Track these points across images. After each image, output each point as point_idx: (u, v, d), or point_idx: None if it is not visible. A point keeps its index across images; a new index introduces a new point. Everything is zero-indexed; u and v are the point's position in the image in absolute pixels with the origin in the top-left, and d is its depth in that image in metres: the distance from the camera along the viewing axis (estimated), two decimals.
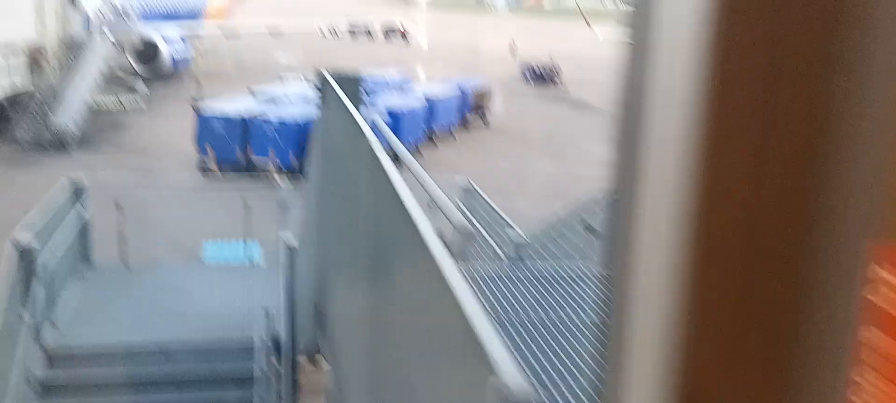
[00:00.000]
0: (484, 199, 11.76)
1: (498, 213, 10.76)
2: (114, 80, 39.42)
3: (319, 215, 7.17)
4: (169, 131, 33.11)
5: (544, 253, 10.31)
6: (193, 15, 58.00)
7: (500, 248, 9.94)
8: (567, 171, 31.74)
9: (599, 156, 35.22)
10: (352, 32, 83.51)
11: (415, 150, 29.29)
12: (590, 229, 9.20)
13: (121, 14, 37.96)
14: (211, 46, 57.71)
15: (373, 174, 4.00)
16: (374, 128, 4.77)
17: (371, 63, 50.76)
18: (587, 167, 33.09)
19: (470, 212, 11.12)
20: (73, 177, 12.94)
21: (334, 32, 79.42)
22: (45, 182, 23.48)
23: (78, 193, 12.69)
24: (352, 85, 5.96)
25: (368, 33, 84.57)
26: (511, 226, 10.58)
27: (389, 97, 33.73)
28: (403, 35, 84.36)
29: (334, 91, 5.84)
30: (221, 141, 27.10)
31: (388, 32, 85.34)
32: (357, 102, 5.65)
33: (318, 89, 6.71)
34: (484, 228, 10.29)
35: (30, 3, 32.20)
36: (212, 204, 17.08)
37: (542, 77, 58.56)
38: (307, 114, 27.79)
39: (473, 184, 12.41)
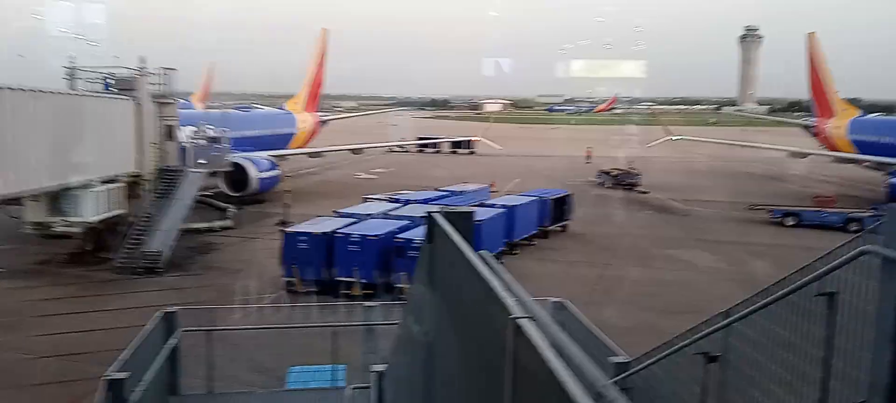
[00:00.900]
0: (579, 319, 11.25)
1: (597, 336, 10.23)
2: (205, 204, 41.17)
3: (416, 342, 6.96)
4: (256, 251, 34.01)
5: (654, 385, 9.62)
6: (283, 140, 60.94)
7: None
8: (657, 279, 30.68)
9: (687, 262, 34.18)
10: (420, 148, 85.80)
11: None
12: (710, 358, 8.47)
13: (214, 142, 40.03)
14: (297, 167, 60.10)
15: (490, 314, 3.78)
16: (485, 260, 4.60)
17: (449, 177, 51.62)
18: (675, 273, 32.06)
19: (568, 333, 10.61)
20: (167, 309, 13.25)
21: (403, 148, 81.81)
22: (136, 305, 24.44)
23: (170, 324, 12.95)
24: (464, 221, 5.86)
25: (436, 147, 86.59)
26: (612, 352, 9.99)
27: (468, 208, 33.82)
28: (470, 147, 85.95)
29: (442, 227, 5.74)
30: (306, 259, 27.59)
31: (455, 145, 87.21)
32: (469, 237, 5.51)
33: (428, 224, 6.63)
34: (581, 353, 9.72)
35: (131, 138, 34.45)
36: (299, 325, 17.08)
37: (619, 181, 58.00)
38: (389, 231, 28.21)
39: (568, 303, 11.94)
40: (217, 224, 39.30)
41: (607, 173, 59.73)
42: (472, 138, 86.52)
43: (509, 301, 3.77)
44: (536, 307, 4.02)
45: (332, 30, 74.61)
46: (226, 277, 29.68)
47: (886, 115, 74.32)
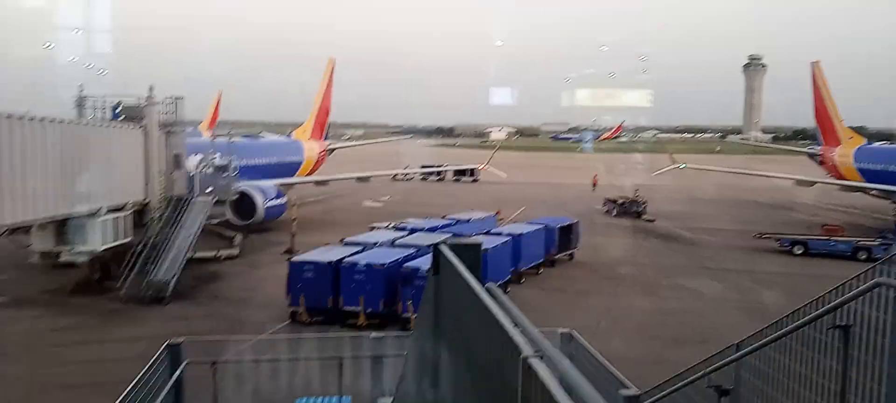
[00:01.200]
0: (588, 350, 11.15)
1: (607, 368, 10.13)
2: (212, 232, 41.18)
3: (423, 376, 6.88)
4: (262, 280, 33.95)
5: None
6: (290, 168, 61.18)
7: None
8: (664, 308, 30.45)
9: (694, 291, 33.97)
10: (423, 177, 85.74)
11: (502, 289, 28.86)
12: (722, 392, 8.37)
13: (221, 170, 40.13)
14: (304, 195, 60.21)
15: (499, 351, 3.73)
16: (492, 293, 4.56)
17: (456, 205, 51.61)
18: (682, 302, 31.83)
19: (576, 365, 10.50)
20: (172, 341, 13.20)
21: (406, 176, 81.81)
22: (143, 335, 24.36)
23: (175, 356, 12.88)
24: (470, 253, 5.82)
25: (439, 175, 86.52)
26: (622, 384, 9.86)
27: (473, 237, 33.78)
28: (473, 176, 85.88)
29: (449, 259, 5.70)
30: (312, 288, 27.49)
31: (459, 173, 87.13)
32: (476, 270, 5.47)
33: (434, 257, 6.58)
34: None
35: (140, 168, 34.62)
36: (305, 355, 16.97)
37: (626, 209, 57.87)
38: (395, 260, 28.14)
39: (577, 334, 11.84)
40: (223, 252, 39.29)
41: (614, 201, 59.61)
42: (477, 166, 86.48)
43: (519, 338, 3.72)
44: (548, 345, 3.96)
45: (340, 58, 75.26)
46: (231, 307, 29.61)
47: (892, 144, 74.14)
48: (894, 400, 5.83)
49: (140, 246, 32.66)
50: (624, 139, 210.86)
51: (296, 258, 29.81)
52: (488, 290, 4.91)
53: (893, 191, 52.45)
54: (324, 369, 15.73)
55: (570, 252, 39.56)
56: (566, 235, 39.20)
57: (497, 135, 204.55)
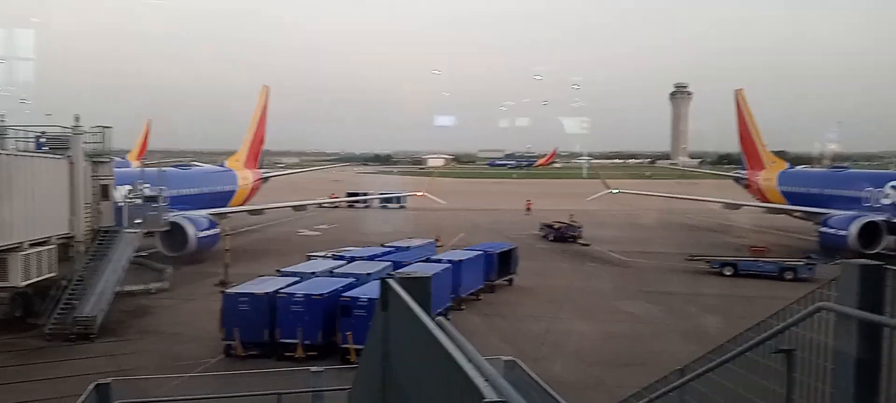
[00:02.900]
0: (532, 377, 11.05)
1: (550, 394, 10.04)
2: (141, 265, 39.73)
3: None
4: (194, 313, 32.90)
5: None
6: (223, 198, 59.86)
7: None
8: (602, 331, 30.79)
9: (630, 313, 34.52)
10: (350, 204, 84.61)
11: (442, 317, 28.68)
12: None
13: (151, 201, 38.87)
14: (238, 224, 58.90)
15: (457, 395, 3.58)
16: (445, 329, 4.41)
17: (395, 233, 51.30)
18: (619, 325, 32.29)
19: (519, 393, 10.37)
20: (100, 381, 12.56)
21: (333, 204, 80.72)
22: (69, 374, 23.17)
23: (103, 396, 12.24)
24: (419, 287, 5.66)
25: (366, 203, 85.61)
26: None
27: (413, 264, 33.59)
28: (400, 203, 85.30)
29: (398, 294, 5.53)
30: (247, 321, 26.73)
31: (386, 201, 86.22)
32: (426, 305, 5.31)
33: (382, 291, 6.38)
34: None
35: (65, 199, 33.18)
36: (241, 391, 16.37)
37: (562, 234, 58.62)
38: (334, 290, 27.66)
39: (519, 362, 11.74)
40: (154, 286, 37.93)
41: (550, 226, 60.34)
42: (404, 193, 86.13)
43: (480, 382, 3.58)
44: (510, 389, 3.83)
45: (274, 86, 74.37)
46: (163, 342, 28.53)
47: (812, 167, 77.60)
48: None
49: (65, 281, 31.27)
50: (558, 165, 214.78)
51: (230, 289, 29.02)
52: (440, 325, 4.76)
53: (815, 213, 54.79)
54: None
55: (509, 277, 39.75)
56: (505, 261, 39.40)
57: (434, 162, 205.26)
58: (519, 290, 38.86)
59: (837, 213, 51.04)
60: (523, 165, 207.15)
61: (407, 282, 5.92)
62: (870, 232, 47.48)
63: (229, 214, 56.88)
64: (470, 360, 3.91)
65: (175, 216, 43.52)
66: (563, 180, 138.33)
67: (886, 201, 51.58)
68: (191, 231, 44.27)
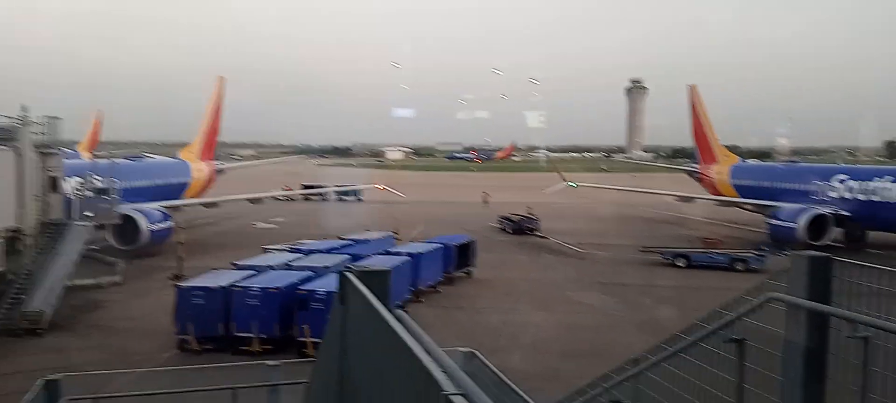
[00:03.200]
0: (490, 369, 11.13)
1: (508, 385, 10.15)
2: (92, 259, 38.77)
3: None
4: (147, 307, 32.27)
5: None
6: (177, 190, 58.76)
7: None
8: (558, 322, 31.13)
9: (586, 305, 34.94)
10: (306, 197, 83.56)
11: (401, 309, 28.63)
12: None
13: (102, 193, 37.94)
14: (192, 217, 57.88)
15: (416, 387, 3.57)
16: (404, 322, 4.40)
17: (353, 226, 51.00)
18: (575, 316, 32.68)
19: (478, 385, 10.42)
20: (48, 377, 12.24)
21: (288, 197, 79.63)
22: (14, 371, 22.53)
23: (52, 393, 11.93)
24: (379, 281, 5.62)
25: (322, 195, 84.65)
26: (525, 402, 9.89)
27: (371, 257, 33.49)
28: (357, 196, 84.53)
29: (357, 288, 5.48)
30: (202, 315, 26.31)
31: (343, 194, 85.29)
32: (385, 298, 5.28)
33: (340, 285, 6.32)
34: None
35: (11, 192, 32.15)
36: (195, 386, 16.09)
37: (520, 227, 59.02)
38: (291, 283, 27.39)
39: (478, 353, 11.81)
40: (105, 279, 37.07)
41: (508, 219, 60.70)
42: (361, 186, 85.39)
43: (439, 374, 3.57)
44: (469, 382, 3.84)
45: (230, 77, 73.22)
46: (114, 337, 27.92)
47: (763, 162, 79.50)
48: None
49: (12, 275, 30.35)
50: (516, 158, 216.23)
51: (184, 283, 28.51)
52: (400, 319, 4.74)
53: (765, 206, 56.21)
54: (217, 401, 15.00)
55: (468, 269, 39.90)
56: (464, 253, 39.53)
57: (394, 154, 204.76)
58: (477, 282, 39.03)
59: (786, 206, 52.43)
60: (482, 158, 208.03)
61: (366, 276, 5.89)
62: (818, 225, 48.88)
63: (183, 207, 55.88)
64: (429, 353, 3.90)
65: (127, 208, 42.60)
66: (522, 173, 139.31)
67: (833, 194, 53.20)
68: (143, 224, 43.39)
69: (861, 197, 51.01)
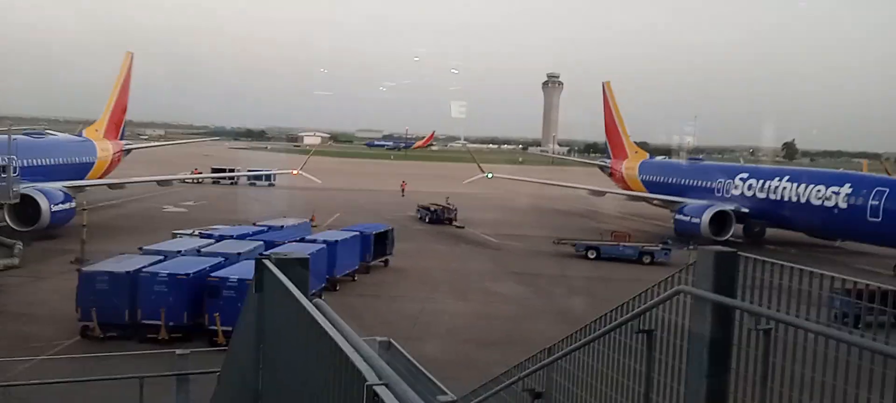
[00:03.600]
0: (407, 357, 11.14)
1: (424, 374, 10.18)
2: None
3: (243, 399, 6.44)
4: (47, 292, 30.73)
5: None
6: (80, 170, 56.11)
7: None
8: (474, 311, 31.50)
9: (501, 294, 35.49)
10: (215, 180, 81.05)
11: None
12: (535, 394, 8.71)
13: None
14: (97, 199, 55.38)
15: (338, 378, 3.53)
16: (324, 311, 4.33)
17: (268, 211, 49.98)
18: (490, 305, 33.17)
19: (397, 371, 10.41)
20: None
21: (197, 180, 77.13)
22: None
23: None
24: (297, 269, 5.51)
25: (232, 179, 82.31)
26: (443, 391, 9.95)
27: (286, 244, 32.93)
28: (270, 181, 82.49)
29: (275, 276, 5.36)
30: (106, 301, 25.23)
31: (254, 179, 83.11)
32: (304, 287, 5.18)
33: (257, 272, 6.15)
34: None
35: None
36: (99, 374, 15.45)
37: (438, 216, 59.30)
38: (201, 269, 26.62)
39: (394, 342, 11.78)
40: (1, 262, 35.01)
41: (426, 208, 60.88)
42: (275, 171, 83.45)
43: (362, 365, 3.55)
44: (391, 372, 3.83)
45: (139, 53, 70.29)
46: (11, 323, 26.45)
47: (670, 158, 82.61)
48: (692, 399, 6.38)
49: None
50: (436, 147, 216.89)
51: (87, 268, 27.29)
52: (319, 308, 4.67)
53: (671, 201, 58.50)
54: (122, 389, 14.45)
55: (385, 258, 39.79)
56: (381, 242, 39.37)
57: (311, 139, 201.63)
58: (394, 271, 39.00)
59: (691, 202, 54.71)
60: (401, 147, 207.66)
61: (284, 263, 5.77)
62: (720, 221, 51.22)
63: (87, 187, 53.46)
64: (349, 342, 3.87)
65: (26, 188, 40.47)
66: (441, 163, 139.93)
67: (736, 192, 55.88)
68: (44, 204, 41.25)
69: (760, 195, 53.78)
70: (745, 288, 6.35)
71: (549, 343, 10.00)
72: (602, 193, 69.20)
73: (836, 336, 5.28)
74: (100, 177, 59.81)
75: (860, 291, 5.60)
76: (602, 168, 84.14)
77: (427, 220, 59.25)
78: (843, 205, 46.32)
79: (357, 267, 36.43)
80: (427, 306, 31.87)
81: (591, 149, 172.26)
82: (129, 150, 70.12)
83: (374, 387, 3.31)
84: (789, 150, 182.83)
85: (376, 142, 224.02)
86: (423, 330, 27.72)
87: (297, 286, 5.02)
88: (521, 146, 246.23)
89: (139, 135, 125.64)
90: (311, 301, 4.88)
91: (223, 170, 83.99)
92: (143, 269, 26.11)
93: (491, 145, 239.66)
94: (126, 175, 63.01)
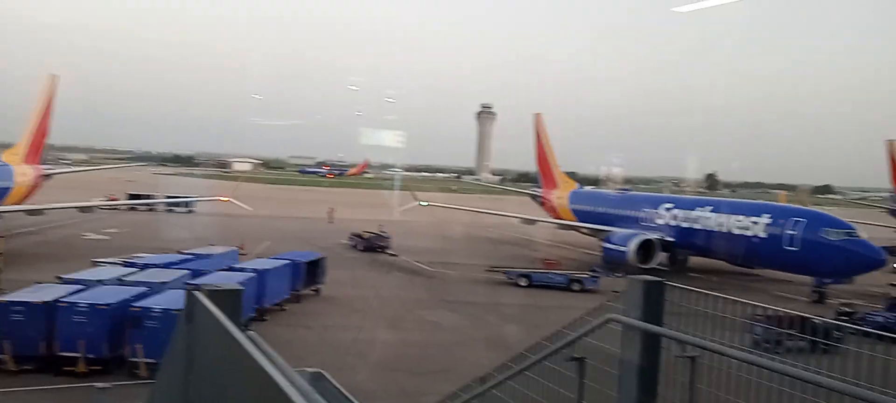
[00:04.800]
0: (338, 388, 10.97)
1: None
2: None
3: None
4: None
5: None
6: None
7: None
8: (407, 340, 31.29)
9: (434, 322, 35.44)
10: (132, 207, 78.08)
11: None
12: None
13: None
14: (13, 225, 52.83)
15: (263, 397, 3.44)
16: (254, 341, 4.23)
17: (194, 239, 48.65)
18: (423, 334, 33.05)
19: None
20: None
21: (113, 206, 74.08)
22: None
23: None
24: (230, 300, 5.36)
25: (149, 206, 79.55)
26: None
27: (213, 273, 32.12)
28: (188, 208, 79.95)
29: (206, 308, 5.21)
30: (21, 332, 24.03)
31: (172, 205, 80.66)
32: (236, 319, 5.05)
33: (187, 303, 5.97)
34: None
35: None
36: None
37: (371, 244, 58.93)
38: (123, 299, 25.67)
39: (326, 373, 11.59)
40: None
41: (359, 236, 60.43)
42: (199, 198, 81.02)
43: (297, 398, 3.47)
44: (322, 402, 3.76)
45: (62, 75, 67.82)
46: None
47: (598, 189, 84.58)
48: None
49: None
50: (370, 175, 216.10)
51: (1, 298, 25.95)
52: (252, 340, 4.56)
53: (600, 230, 59.81)
54: None
55: (317, 287, 39.22)
56: (313, 270, 38.83)
57: (241, 166, 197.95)
58: (326, 300, 38.46)
59: (618, 231, 56.02)
60: (335, 174, 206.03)
61: (216, 295, 5.62)
62: (646, 249, 52.57)
63: (3, 214, 50.95)
64: (284, 375, 3.80)
65: None
66: (374, 190, 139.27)
67: (661, 221, 57.56)
68: None
69: (684, 224, 55.55)
70: (672, 315, 6.55)
71: (483, 371, 10.04)
72: (533, 222, 70.15)
73: (757, 363, 5.49)
74: (17, 203, 57.12)
75: (780, 318, 5.84)
76: (533, 197, 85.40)
77: (360, 248, 58.81)
78: (762, 235, 48.26)
79: (288, 297, 35.80)
80: (359, 335, 31.51)
81: (523, 178, 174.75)
82: (49, 175, 67.30)
83: None
84: (711, 182, 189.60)
85: (309, 169, 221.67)
86: (355, 360, 27.37)
87: (229, 317, 4.90)
88: (454, 174, 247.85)
89: (61, 159, 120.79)
90: (244, 333, 4.77)
91: (140, 197, 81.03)
92: (61, 299, 25.00)
93: (425, 173, 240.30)
94: (45, 200, 60.37)
